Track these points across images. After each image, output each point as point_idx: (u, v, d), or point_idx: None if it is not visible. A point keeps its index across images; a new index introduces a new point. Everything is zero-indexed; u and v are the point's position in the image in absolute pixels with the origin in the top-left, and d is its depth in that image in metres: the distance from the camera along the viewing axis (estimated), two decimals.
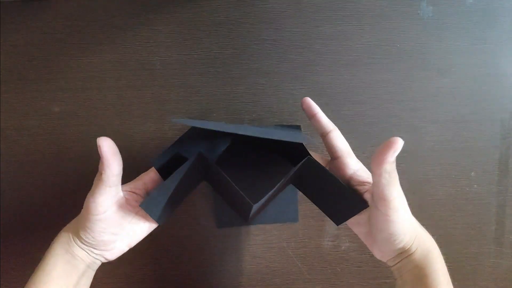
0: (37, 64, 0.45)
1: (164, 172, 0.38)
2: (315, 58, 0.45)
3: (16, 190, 0.47)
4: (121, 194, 0.36)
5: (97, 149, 0.33)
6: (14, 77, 0.45)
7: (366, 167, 0.46)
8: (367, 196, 0.35)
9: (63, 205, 0.47)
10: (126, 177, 0.46)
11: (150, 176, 0.39)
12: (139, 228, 0.37)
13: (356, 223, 0.36)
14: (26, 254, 0.48)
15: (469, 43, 0.45)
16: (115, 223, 0.35)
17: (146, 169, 0.46)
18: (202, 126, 0.33)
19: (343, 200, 0.35)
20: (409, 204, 0.46)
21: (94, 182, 0.35)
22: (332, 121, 0.45)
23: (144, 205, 0.35)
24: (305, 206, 0.46)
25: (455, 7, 0.44)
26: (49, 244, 0.49)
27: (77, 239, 0.36)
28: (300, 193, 0.41)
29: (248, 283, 0.48)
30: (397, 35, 0.44)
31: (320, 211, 0.46)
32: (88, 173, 0.47)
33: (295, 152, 0.37)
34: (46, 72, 0.45)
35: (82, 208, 0.35)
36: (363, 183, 0.36)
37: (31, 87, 0.45)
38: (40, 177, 0.47)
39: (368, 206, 0.34)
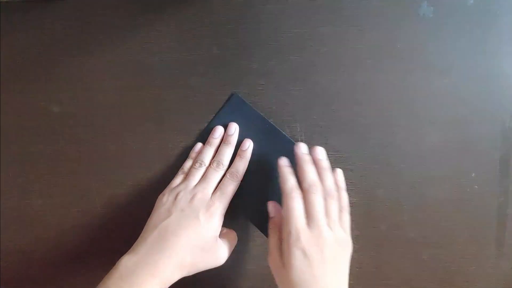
0: (37, 64, 0.45)
1: None
2: (315, 58, 0.45)
3: (15, 190, 0.47)
4: None
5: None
6: (14, 77, 0.45)
7: (366, 168, 0.46)
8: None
9: (62, 205, 0.47)
10: (126, 178, 0.46)
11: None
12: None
13: None
14: (26, 253, 0.48)
15: (470, 43, 0.45)
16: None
17: (145, 169, 0.46)
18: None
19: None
20: (409, 205, 0.46)
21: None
22: (332, 122, 0.46)
23: None
24: None
25: (455, 8, 0.44)
26: (49, 243, 0.49)
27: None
28: None
29: (248, 284, 0.47)
30: (397, 35, 0.44)
31: None
32: (87, 174, 0.47)
33: None
34: (46, 72, 0.45)
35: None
36: None
37: (31, 87, 0.45)
38: (40, 177, 0.47)
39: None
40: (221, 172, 0.42)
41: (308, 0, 0.44)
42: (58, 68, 0.45)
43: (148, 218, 0.41)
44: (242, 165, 0.43)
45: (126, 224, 0.47)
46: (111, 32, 0.45)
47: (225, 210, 0.40)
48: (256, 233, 0.47)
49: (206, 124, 0.46)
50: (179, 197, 0.40)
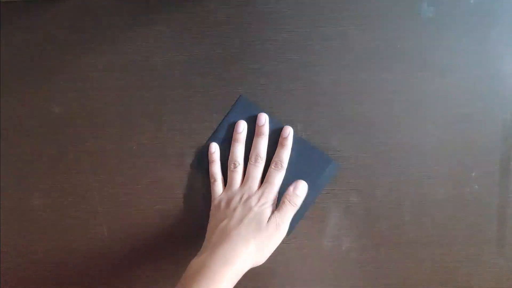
0: (37, 64, 0.45)
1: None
2: (315, 58, 0.45)
3: (16, 190, 0.47)
4: None
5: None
6: (14, 77, 0.45)
7: (366, 168, 0.46)
8: None
9: (62, 205, 0.47)
10: (126, 178, 0.46)
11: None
12: None
13: None
14: (26, 254, 0.48)
15: (470, 43, 0.45)
16: None
17: (145, 169, 0.46)
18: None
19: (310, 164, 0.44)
20: (409, 205, 0.46)
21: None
22: (332, 122, 0.46)
23: None
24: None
25: (455, 8, 0.44)
26: (49, 243, 0.49)
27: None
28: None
29: (248, 284, 0.47)
30: (397, 35, 0.44)
31: (320, 211, 0.47)
32: (87, 173, 0.47)
33: None
34: (46, 72, 0.45)
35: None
36: None
37: (31, 87, 0.45)
38: (40, 177, 0.47)
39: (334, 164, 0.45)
40: (261, 166, 0.44)
41: (308, 0, 0.44)
42: (58, 68, 0.45)
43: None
44: (285, 153, 0.44)
45: (126, 224, 0.47)
46: (111, 32, 0.45)
47: (276, 199, 0.43)
48: None
49: (205, 124, 0.46)
50: (230, 201, 0.42)
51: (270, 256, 0.47)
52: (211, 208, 0.44)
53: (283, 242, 0.47)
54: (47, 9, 0.44)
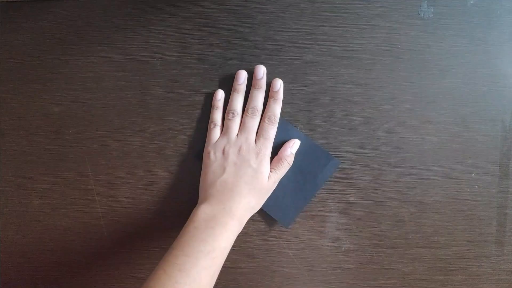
0: (37, 64, 0.45)
1: None
2: (315, 58, 0.45)
3: (16, 190, 0.47)
4: None
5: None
6: (14, 77, 0.45)
7: (366, 168, 0.46)
8: None
9: (62, 204, 0.47)
10: (126, 178, 0.46)
11: None
12: None
13: None
14: (26, 253, 0.48)
15: (470, 43, 0.45)
16: None
17: (145, 169, 0.46)
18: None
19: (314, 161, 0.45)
20: (410, 205, 0.46)
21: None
22: (332, 122, 0.46)
23: None
24: (305, 206, 0.46)
25: (455, 8, 0.44)
26: (49, 243, 0.49)
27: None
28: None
29: (248, 284, 0.47)
30: (397, 36, 0.44)
31: (320, 212, 0.47)
32: (87, 173, 0.47)
33: None
34: (46, 72, 0.45)
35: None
36: None
37: (31, 87, 0.45)
38: (40, 177, 0.47)
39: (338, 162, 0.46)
40: (258, 118, 0.44)
41: (308, 0, 0.44)
42: (58, 68, 0.45)
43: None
44: (277, 107, 0.44)
45: (126, 224, 0.47)
46: (111, 32, 0.45)
47: (270, 152, 0.44)
48: (256, 233, 0.47)
49: (205, 124, 0.46)
50: (226, 152, 0.43)
51: (270, 256, 0.47)
52: (205, 153, 0.44)
53: (283, 242, 0.47)
54: (47, 9, 0.44)
